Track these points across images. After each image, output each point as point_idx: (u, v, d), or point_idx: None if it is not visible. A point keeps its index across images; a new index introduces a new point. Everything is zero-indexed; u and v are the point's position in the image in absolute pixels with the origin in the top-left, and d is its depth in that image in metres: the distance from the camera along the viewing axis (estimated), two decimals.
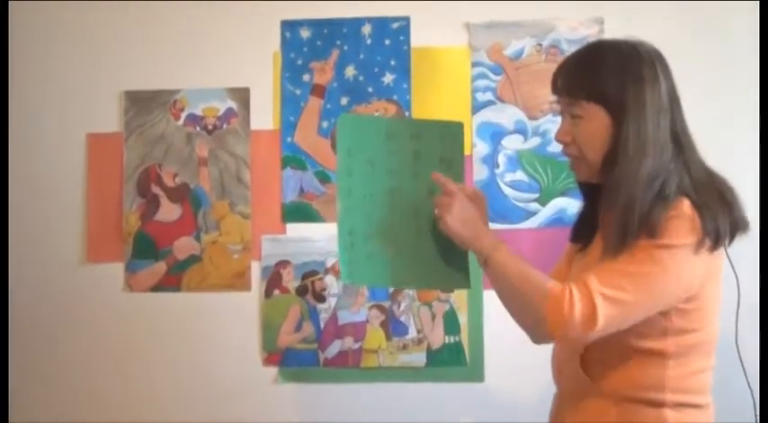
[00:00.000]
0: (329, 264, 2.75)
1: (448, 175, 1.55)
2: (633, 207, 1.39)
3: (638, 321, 1.42)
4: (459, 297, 2.73)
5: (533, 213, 2.74)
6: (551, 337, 1.41)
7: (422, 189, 1.57)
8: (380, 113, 2.71)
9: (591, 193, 1.58)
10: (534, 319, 1.40)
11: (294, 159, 2.79)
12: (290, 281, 2.75)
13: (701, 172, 1.46)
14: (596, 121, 1.45)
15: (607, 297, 1.36)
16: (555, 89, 1.53)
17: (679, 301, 1.44)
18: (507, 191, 2.74)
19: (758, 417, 1.56)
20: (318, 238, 2.75)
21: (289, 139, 2.78)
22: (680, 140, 1.45)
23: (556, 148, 2.08)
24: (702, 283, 1.44)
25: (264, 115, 2.80)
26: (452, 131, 1.58)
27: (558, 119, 1.57)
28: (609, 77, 1.44)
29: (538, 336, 1.45)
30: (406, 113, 2.70)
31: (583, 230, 1.61)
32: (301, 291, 2.78)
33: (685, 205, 1.41)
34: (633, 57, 1.46)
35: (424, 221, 1.55)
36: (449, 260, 1.56)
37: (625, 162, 1.41)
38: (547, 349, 1.65)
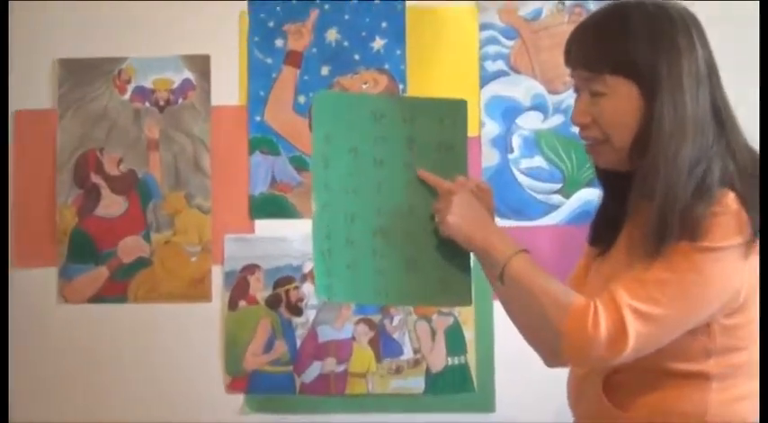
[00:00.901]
0: (307, 269, 2.51)
1: (448, 165, 1.41)
2: (673, 200, 1.27)
3: (675, 339, 1.30)
4: (464, 309, 2.50)
5: (555, 207, 2.51)
6: (571, 360, 1.30)
7: (416, 183, 1.41)
8: (369, 85, 2.50)
9: (614, 183, 1.44)
10: (551, 337, 1.28)
11: (264, 142, 2.54)
12: (260, 289, 2.53)
13: (747, 157, 1.34)
14: (623, 97, 1.32)
15: (638, 312, 1.24)
16: (569, 61, 1.39)
17: (723, 314, 1.31)
18: (523, 180, 2.51)
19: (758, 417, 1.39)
20: (294, 238, 2.51)
21: (258, 118, 2.54)
22: (721, 118, 1.34)
23: None
24: (750, 292, 1.31)
25: (228, 88, 2.57)
26: (454, 111, 1.42)
27: None
28: (637, 44, 1.31)
29: (552, 357, 1.33)
30: (400, 87, 2.50)
31: (603, 230, 1.46)
32: (273, 302, 2.53)
33: (730, 199, 1.29)
34: (664, 19, 1.34)
35: (418, 223, 1.40)
36: (448, 272, 1.41)
37: (661, 145, 1.29)
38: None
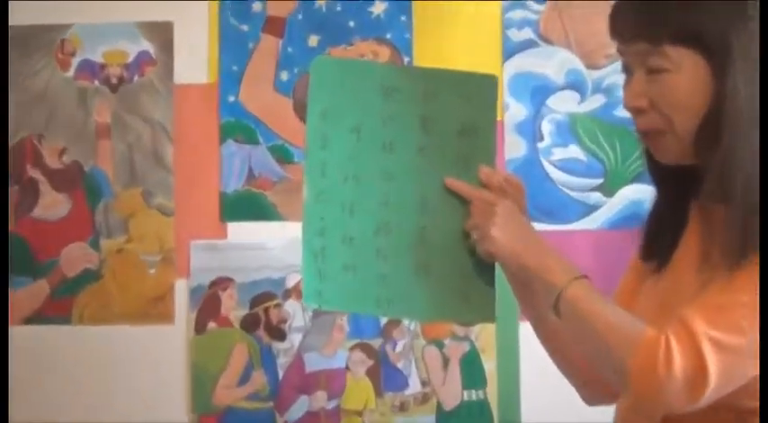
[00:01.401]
0: (291, 283, 2.42)
1: (472, 152, 1.37)
2: (755, 202, 1.22)
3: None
4: (484, 332, 2.44)
5: (594, 208, 2.43)
6: (639, 405, 1.25)
7: (430, 172, 1.37)
8: (367, 59, 2.39)
9: (670, 181, 1.37)
10: (612, 377, 1.25)
11: (239, 128, 2.46)
12: (234, 308, 2.45)
13: None
14: (689, 73, 1.27)
15: (720, 344, 1.19)
16: (617, 30, 1.31)
17: None
18: (556, 175, 2.43)
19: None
20: (275, 245, 2.43)
21: (231, 98, 2.46)
22: None
23: (626, 111, 1.73)
24: None
25: (195, 62, 2.49)
26: (482, 88, 1.38)
27: None
28: (703, 8, 1.26)
29: (603, 399, 1.37)
30: (405, 60, 2.42)
31: (658, 241, 1.39)
32: (250, 323, 2.46)
33: None
34: None
35: (431, 220, 1.36)
36: (467, 280, 1.37)
37: (737, 133, 1.24)
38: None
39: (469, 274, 1.38)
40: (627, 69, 1.32)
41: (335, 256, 1.39)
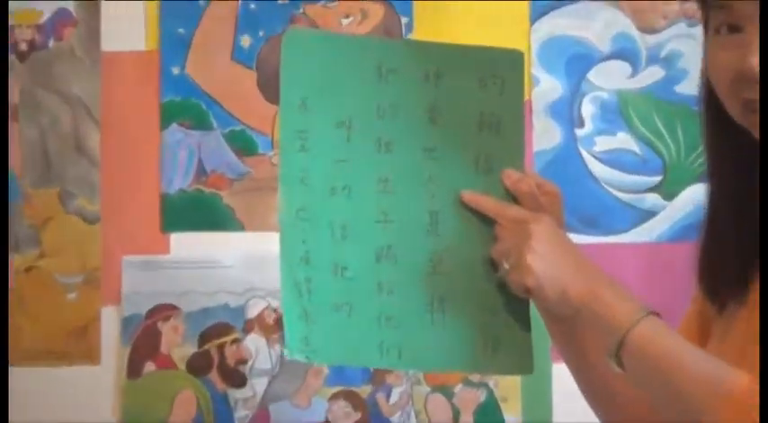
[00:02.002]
0: (253, 311, 2.13)
1: (494, 151, 1.30)
2: None
3: None
4: (504, 378, 2.18)
5: (650, 214, 2.15)
6: None
7: (442, 178, 1.30)
8: (353, 20, 2.16)
9: (739, 186, 1.25)
10: None
11: (186, 108, 2.16)
12: (178, 345, 2.16)
13: None
14: None
15: None
16: None
17: None
18: (600, 171, 2.15)
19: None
20: (232, 262, 2.15)
21: (176, 71, 2.17)
22: None
23: (692, 87, 1.56)
24: None
25: (129, 24, 2.21)
26: (504, 67, 1.32)
27: (694, 31, 1.58)
28: None
29: None
30: (403, 21, 2.12)
31: (723, 273, 1.26)
32: (199, 364, 2.17)
33: None
34: None
35: (446, 243, 1.29)
36: (495, 320, 1.28)
37: None
38: None
39: (498, 313, 1.30)
40: (733, 27, 1.18)
41: (325, 292, 1.30)
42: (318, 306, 1.28)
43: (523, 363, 1.30)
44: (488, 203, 1.28)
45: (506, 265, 1.23)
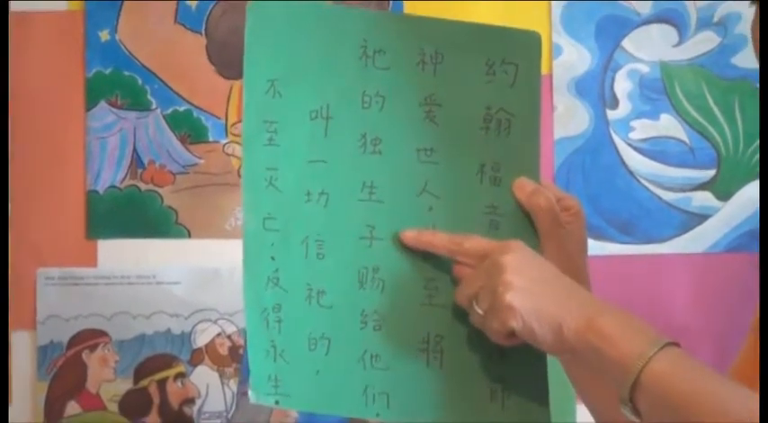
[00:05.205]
0: (202, 339, 1.89)
1: (504, 155, 1.20)
2: None
3: None
4: None
5: (701, 218, 1.91)
6: None
7: (439, 186, 1.20)
8: None
9: None
10: None
11: (118, 83, 1.90)
12: (108, 380, 1.91)
13: None
14: None
15: None
16: None
17: None
18: (638, 164, 1.91)
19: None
20: (175, 277, 1.91)
21: (105, 36, 1.91)
22: None
23: (753, 58, 1.18)
24: None
25: None
26: (517, 50, 1.20)
27: None
28: None
29: None
30: None
31: None
32: (135, 404, 1.92)
33: None
34: None
35: (442, 268, 1.19)
36: (503, 361, 1.18)
37: None
38: None
39: (506, 354, 1.18)
40: None
41: (297, 322, 1.21)
42: (290, 339, 1.19)
43: (538, 412, 1.19)
44: (437, 240, 1.16)
45: (479, 310, 1.11)
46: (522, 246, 1.14)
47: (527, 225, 1.15)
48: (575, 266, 1.18)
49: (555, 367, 1.22)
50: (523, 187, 1.17)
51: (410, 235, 1.19)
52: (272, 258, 1.19)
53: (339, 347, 1.19)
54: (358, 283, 1.19)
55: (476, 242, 1.16)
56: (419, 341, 1.18)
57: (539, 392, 1.18)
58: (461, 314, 1.16)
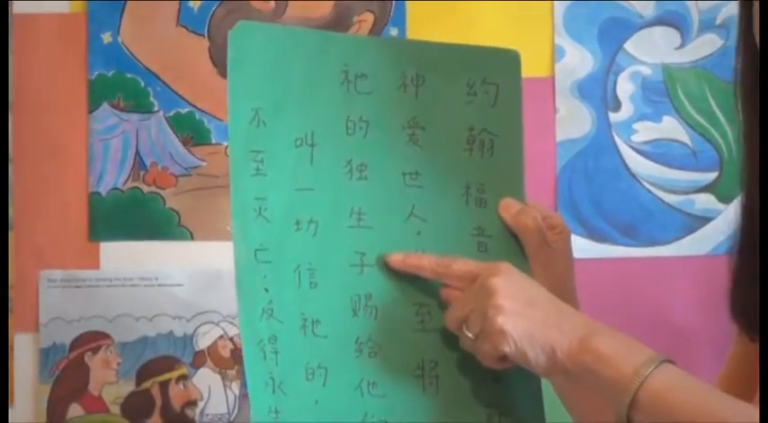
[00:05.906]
0: (204, 341, 1.90)
1: (487, 176, 1.21)
2: None
3: None
4: None
5: (702, 220, 1.92)
6: None
7: (426, 210, 1.20)
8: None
9: None
10: None
11: (120, 86, 1.91)
12: (111, 382, 1.91)
13: None
14: None
15: None
16: None
17: None
18: (640, 166, 1.93)
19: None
20: (177, 279, 1.91)
21: (107, 38, 1.92)
22: None
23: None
24: None
25: None
26: (498, 69, 1.21)
27: None
28: None
29: None
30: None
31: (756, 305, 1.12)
32: (137, 407, 1.93)
33: None
34: None
35: (437, 292, 1.18)
36: (499, 384, 1.17)
37: None
38: None
39: (502, 377, 1.18)
40: None
41: (294, 353, 1.17)
42: (287, 370, 1.14)
43: None
44: (424, 263, 1.15)
45: (470, 335, 1.10)
46: (510, 267, 1.13)
47: (515, 246, 1.16)
48: (563, 285, 1.18)
49: (550, 388, 1.22)
50: (509, 208, 1.18)
51: (397, 258, 1.18)
52: (266, 290, 1.17)
53: (336, 376, 1.17)
54: (351, 311, 1.18)
55: (464, 264, 1.16)
56: (414, 367, 1.18)
57: (534, 415, 1.18)
58: (454, 339, 1.17)
